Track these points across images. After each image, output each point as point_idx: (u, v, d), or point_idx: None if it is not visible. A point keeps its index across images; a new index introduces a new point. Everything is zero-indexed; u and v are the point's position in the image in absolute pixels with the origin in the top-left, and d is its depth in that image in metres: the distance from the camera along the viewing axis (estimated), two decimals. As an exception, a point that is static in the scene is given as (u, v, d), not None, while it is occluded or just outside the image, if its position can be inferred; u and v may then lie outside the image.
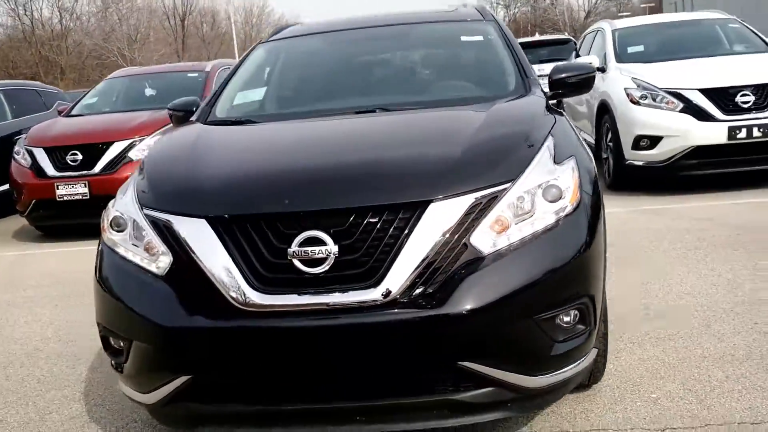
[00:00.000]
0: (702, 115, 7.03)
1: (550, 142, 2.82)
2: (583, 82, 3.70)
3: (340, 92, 3.91)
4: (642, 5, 72.33)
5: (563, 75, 3.69)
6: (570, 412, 3.05)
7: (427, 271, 2.42)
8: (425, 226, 2.45)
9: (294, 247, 2.45)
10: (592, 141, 8.47)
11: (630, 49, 8.58)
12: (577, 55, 10.42)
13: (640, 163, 7.37)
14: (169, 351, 2.55)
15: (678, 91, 7.17)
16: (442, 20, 4.44)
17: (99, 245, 2.93)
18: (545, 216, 2.57)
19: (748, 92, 6.99)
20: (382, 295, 2.40)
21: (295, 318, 2.43)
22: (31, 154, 7.93)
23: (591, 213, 2.72)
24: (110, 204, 2.96)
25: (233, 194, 2.67)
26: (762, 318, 3.90)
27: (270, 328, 2.43)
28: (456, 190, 2.51)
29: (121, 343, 2.75)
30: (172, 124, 4.19)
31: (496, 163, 2.65)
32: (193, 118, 3.78)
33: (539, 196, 2.59)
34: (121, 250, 2.76)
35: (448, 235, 2.44)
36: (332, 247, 2.43)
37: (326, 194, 2.56)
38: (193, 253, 2.54)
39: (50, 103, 11.06)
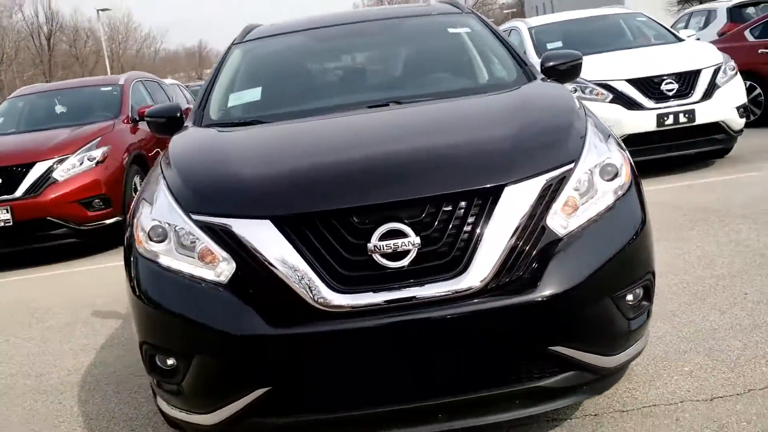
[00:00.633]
0: (631, 104, 7.35)
1: (591, 122, 2.85)
2: (572, 69, 3.79)
3: (345, 87, 3.81)
4: (505, 11, 75.03)
5: (554, 63, 3.76)
6: (614, 393, 3.07)
7: (511, 257, 2.37)
8: (502, 211, 2.40)
9: (374, 242, 2.34)
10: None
11: (549, 45, 8.83)
12: None
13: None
14: (245, 362, 2.38)
15: (606, 82, 7.46)
16: (423, 14, 4.40)
17: (131, 259, 2.70)
18: (605, 195, 2.59)
19: (671, 80, 7.35)
20: (470, 284, 2.34)
21: (381, 316, 2.32)
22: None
23: (639, 189, 2.76)
24: (138, 215, 2.73)
25: (297, 192, 2.51)
26: (749, 288, 4.08)
27: (357, 329, 2.31)
28: (527, 173, 2.48)
29: (174, 362, 2.55)
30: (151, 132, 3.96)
31: (557, 145, 2.64)
32: (188, 123, 3.56)
33: (597, 176, 2.60)
34: (164, 261, 2.56)
35: (526, 219, 2.41)
36: (414, 239, 2.34)
37: (399, 185, 2.46)
38: (262, 256, 2.38)
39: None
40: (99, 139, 7.62)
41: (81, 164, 7.32)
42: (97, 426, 3.43)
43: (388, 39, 4.21)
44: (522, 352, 2.42)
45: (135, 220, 2.74)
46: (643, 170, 7.40)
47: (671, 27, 10.97)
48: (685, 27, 14.64)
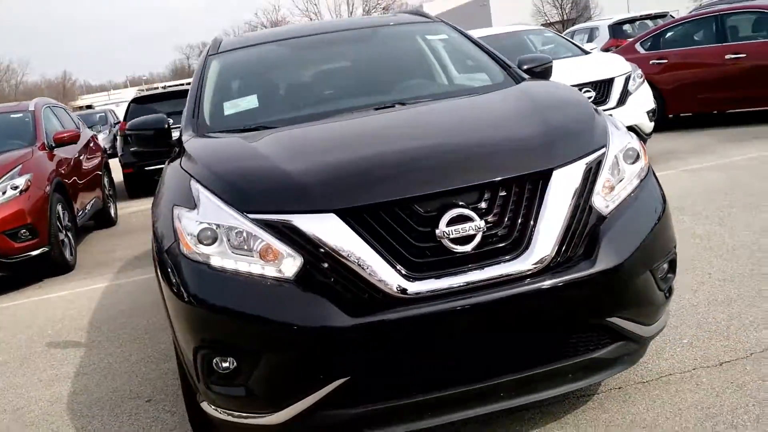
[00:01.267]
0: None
1: (602, 112, 3.04)
2: (545, 71, 4.03)
3: (343, 92, 3.85)
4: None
5: (530, 65, 3.98)
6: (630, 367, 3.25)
7: (567, 235, 2.51)
8: (554, 193, 2.54)
9: (442, 228, 2.42)
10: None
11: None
12: None
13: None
14: (325, 354, 2.38)
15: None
16: (396, 23, 4.52)
17: (173, 266, 2.64)
18: (632, 177, 2.78)
19: (589, 89, 7.81)
20: (534, 263, 2.45)
21: (456, 298, 2.39)
22: None
23: (653, 172, 2.97)
24: (180, 220, 2.68)
25: (358, 185, 2.55)
26: (711, 269, 4.41)
27: (435, 312, 2.37)
28: (570, 158, 2.63)
29: (236, 363, 2.51)
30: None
31: (588, 132, 2.81)
32: (186, 135, 3.49)
33: (622, 160, 2.79)
34: (216, 262, 2.53)
35: (575, 199, 2.56)
36: (479, 223, 2.44)
37: (456, 173, 2.55)
38: (332, 249, 2.40)
39: None
40: (20, 166, 7.23)
41: (4, 194, 6.92)
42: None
43: (371, 46, 4.30)
44: (583, 325, 2.55)
45: (175, 227, 2.68)
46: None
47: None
48: (571, 44, 15.50)
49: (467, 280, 2.42)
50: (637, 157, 2.84)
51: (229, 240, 2.54)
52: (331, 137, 3.15)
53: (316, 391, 2.41)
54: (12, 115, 8.66)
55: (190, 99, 3.79)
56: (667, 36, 11.28)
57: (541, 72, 3.99)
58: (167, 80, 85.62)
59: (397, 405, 2.47)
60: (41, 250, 7.08)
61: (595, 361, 2.63)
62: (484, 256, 2.46)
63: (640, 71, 8.29)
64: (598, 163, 2.68)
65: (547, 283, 2.43)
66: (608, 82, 7.89)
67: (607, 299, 2.55)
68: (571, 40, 9.73)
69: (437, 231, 2.42)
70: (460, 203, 2.47)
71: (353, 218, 2.44)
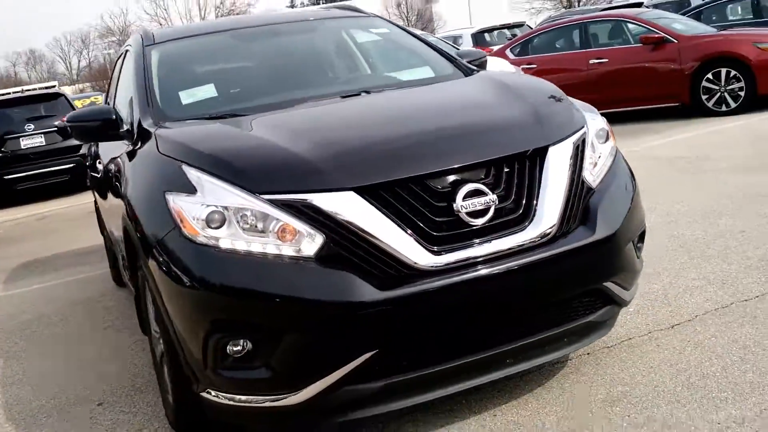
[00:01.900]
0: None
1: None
2: (482, 64, 4.23)
3: (303, 82, 3.81)
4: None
5: (470, 59, 4.16)
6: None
7: (567, 207, 2.67)
8: (552, 169, 2.69)
9: (459, 202, 2.50)
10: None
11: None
12: None
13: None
14: (353, 328, 2.39)
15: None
16: (332, 17, 4.54)
17: (180, 250, 2.55)
18: (605, 155, 2.98)
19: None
20: (542, 233, 2.59)
21: (475, 269, 2.48)
22: None
23: (618, 150, 3.19)
24: (179, 205, 2.59)
25: (373, 162, 2.57)
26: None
27: (457, 283, 2.44)
28: (560, 136, 2.80)
29: (251, 345, 2.46)
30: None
31: (568, 114, 2.99)
32: (145, 123, 3.35)
33: (595, 139, 2.99)
34: (226, 245, 2.48)
35: (569, 174, 2.72)
36: (492, 197, 2.54)
37: (464, 150, 2.64)
38: (354, 226, 2.42)
39: None
40: None
41: None
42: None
43: (313, 38, 4.29)
44: (585, 290, 2.72)
45: (173, 213, 2.59)
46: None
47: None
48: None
49: (486, 251, 2.52)
50: (607, 136, 3.05)
51: (239, 222, 2.49)
52: (325, 120, 3.14)
53: (342, 367, 2.42)
54: None
55: (139, 88, 3.63)
56: (535, 42, 11.98)
57: (479, 65, 4.17)
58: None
59: (417, 376, 2.52)
60: None
61: (589, 325, 2.81)
62: (496, 228, 2.57)
63: (521, 71, 8.76)
64: (583, 141, 2.87)
65: (556, 251, 2.58)
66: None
67: (605, 265, 2.73)
68: (453, 45, 10.09)
69: (454, 205, 2.50)
70: (470, 179, 2.57)
71: (371, 195, 2.47)
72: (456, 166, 2.57)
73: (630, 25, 11.25)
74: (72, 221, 9.72)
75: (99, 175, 4.68)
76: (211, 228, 2.50)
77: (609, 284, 2.76)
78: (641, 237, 3.07)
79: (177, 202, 2.61)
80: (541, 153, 2.71)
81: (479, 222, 2.53)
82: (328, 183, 2.49)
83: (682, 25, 11.03)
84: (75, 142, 12.28)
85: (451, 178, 2.56)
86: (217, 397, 2.62)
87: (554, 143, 2.75)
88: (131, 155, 3.33)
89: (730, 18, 13.36)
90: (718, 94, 9.95)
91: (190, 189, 2.62)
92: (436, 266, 2.45)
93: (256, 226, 2.48)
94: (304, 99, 3.44)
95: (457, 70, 3.92)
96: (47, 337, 4.79)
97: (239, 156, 2.69)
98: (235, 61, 4.08)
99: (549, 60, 11.45)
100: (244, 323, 2.47)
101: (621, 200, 2.87)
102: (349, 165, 2.56)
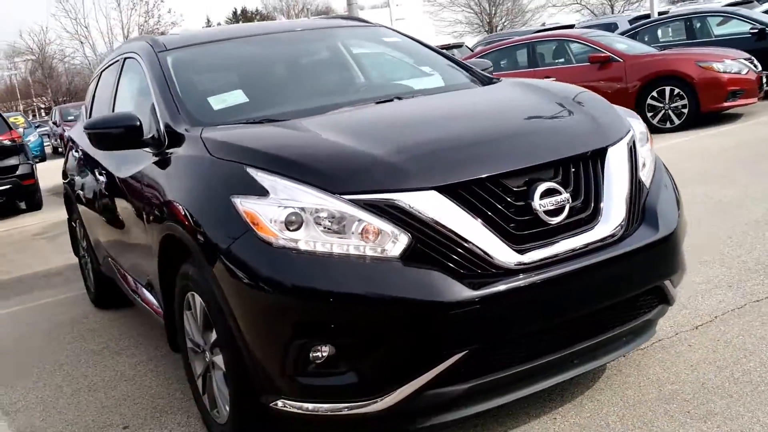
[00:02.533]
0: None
1: None
2: (491, 74, 4.31)
3: (335, 88, 3.79)
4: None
5: (481, 68, 4.24)
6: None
7: (630, 205, 2.74)
8: (612, 169, 2.76)
9: (537, 200, 2.53)
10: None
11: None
12: None
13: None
14: (444, 329, 2.37)
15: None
16: (346, 26, 4.55)
17: (256, 254, 2.49)
18: (648, 156, 3.08)
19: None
20: (611, 231, 2.65)
21: (557, 266, 2.51)
22: None
23: None
24: (251, 208, 2.52)
25: (448, 162, 2.58)
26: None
27: (543, 281, 2.46)
28: (616, 138, 2.88)
29: (334, 350, 2.42)
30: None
31: (615, 117, 3.07)
32: (179, 128, 3.26)
33: (638, 141, 3.08)
34: (306, 247, 2.44)
35: (628, 174, 2.80)
36: (566, 195, 2.59)
37: (535, 150, 2.68)
38: (440, 225, 2.42)
39: None
40: None
41: None
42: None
43: (325, 46, 4.28)
44: (648, 287, 2.78)
45: (243, 217, 2.53)
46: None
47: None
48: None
49: (565, 248, 2.56)
50: (647, 138, 3.16)
51: (318, 223, 2.46)
52: (384, 122, 3.13)
53: (431, 369, 2.39)
54: None
55: (162, 93, 3.52)
56: (482, 62, 12.21)
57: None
58: None
59: (499, 378, 2.52)
60: None
61: (646, 324, 2.88)
62: (570, 226, 2.61)
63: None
64: (633, 143, 2.95)
65: (627, 249, 2.64)
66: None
67: (666, 263, 2.81)
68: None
69: (533, 204, 2.53)
70: (543, 178, 2.61)
71: (452, 195, 2.48)
72: (530, 165, 2.61)
73: (575, 45, 11.65)
74: (15, 244, 9.29)
75: (96, 189, 4.51)
76: (289, 230, 2.46)
77: (667, 283, 2.84)
78: None
79: (248, 205, 2.55)
80: (601, 154, 2.78)
81: (556, 220, 2.57)
82: (411, 183, 2.48)
83: (624, 44, 11.49)
84: (11, 161, 11.82)
85: (524, 177, 2.59)
86: (289, 407, 2.56)
87: (612, 144, 2.82)
88: (164, 162, 3.24)
89: (662, 39, 13.94)
90: (663, 111, 10.39)
91: (260, 191, 2.56)
92: (522, 264, 2.47)
93: (336, 227, 2.45)
94: (338, 105, 3.42)
95: (475, 78, 3.98)
96: (35, 364, 4.56)
97: (313, 157, 2.65)
98: (256, 68, 4.01)
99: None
100: (330, 327, 2.42)
101: (671, 199, 2.97)
102: (429, 165, 2.56)
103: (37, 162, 15.00)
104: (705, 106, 10.11)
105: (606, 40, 11.52)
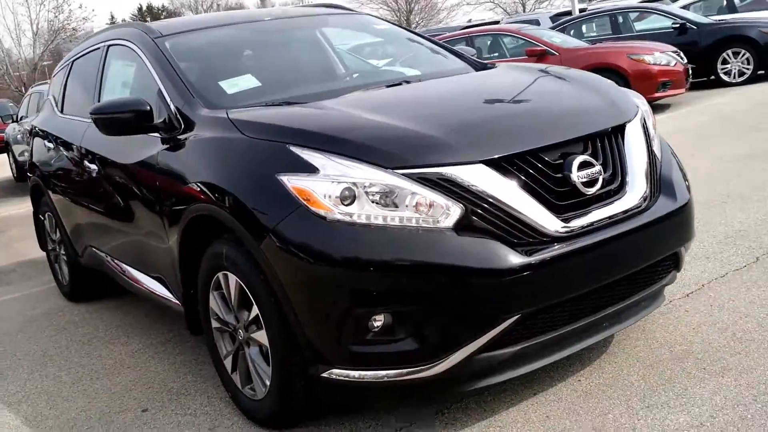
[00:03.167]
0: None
1: None
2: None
3: (341, 72, 3.83)
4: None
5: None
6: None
7: (651, 176, 2.94)
8: (632, 143, 2.95)
9: (575, 172, 2.68)
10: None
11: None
12: None
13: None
14: (498, 294, 2.49)
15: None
16: (334, 14, 4.58)
17: (312, 229, 2.54)
18: (655, 132, 3.29)
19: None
20: (638, 201, 2.84)
21: (598, 233, 2.68)
22: None
23: None
24: (302, 185, 2.58)
25: (492, 137, 2.71)
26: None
27: (587, 246, 2.62)
28: (631, 115, 3.07)
29: (391, 318, 2.52)
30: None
31: (626, 96, 3.26)
32: (199, 110, 3.25)
33: (647, 117, 3.28)
34: (362, 219, 2.52)
35: (645, 148, 2.99)
36: (598, 168, 2.76)
37: (568, 126, 2.84)
38: (490, 196, 2.54)
39: None
40: None
41: None
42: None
43: (319, 33, 4.32)
44: (669, 253, 2.97)
45: (293, 195, 2.59)
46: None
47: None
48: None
49: (602, 215, 2.73)
50: (650, 115, 3.36)
51: (370, 196, 2.53)
52: (412, 102, 3.22)
53: (486, 334, 2.52)
54: None
55: (170, 77, 3.51)
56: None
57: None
58: None
59: (545, 340, 2.67)
60: None
61: (661, 289, 3.08)
62: (602, 197, 2.78)
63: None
64: (644, 120, 3.15)
65: (656, 216, 2.84)
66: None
67: (683, 230, 3.02)
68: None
69: (572, 176, 2.68)
70: (576, 152, 2.76)
71: (497, 168, 2.60)
72: (565, 139, 2.77)
73: (509, 39, 11.99)
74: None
75: (83, 178, 4.41)
76: (344, 205, 2.53)
77: (682, 249, 3.05)
78: None
79: (298, 182, 2.60)
80: (621, 129, 2.96)
81: (591, 191, 2.73)
82: (460, 156, 2.59)
83: (559, 38, 11.90)
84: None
85: (560, 151, 2.75)
86: (342, 376, 2.63)
87: (629, 121, 3.02)
88: (179, 146, 3.24)
89: (586, 34, 14.48)
90: (599, 102, 10.80)
91: (309, 168, 2.62)
92: (567, 231, 2.62)
93: (389, 201, 2.53)
94: (352, 87, 3.49)
95: (469, 65, 4.11)
96: (26, 354, 4.44)
97: (361, 134, 2.73)
98: (256, 54, 4.03)
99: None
100: (389, 296, 2.51)
101: (680, 171, 3.19)
102: (475, 139, 2.68)
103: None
104: (638, 97, 10.57)
105: (541, 34, 11.90)
